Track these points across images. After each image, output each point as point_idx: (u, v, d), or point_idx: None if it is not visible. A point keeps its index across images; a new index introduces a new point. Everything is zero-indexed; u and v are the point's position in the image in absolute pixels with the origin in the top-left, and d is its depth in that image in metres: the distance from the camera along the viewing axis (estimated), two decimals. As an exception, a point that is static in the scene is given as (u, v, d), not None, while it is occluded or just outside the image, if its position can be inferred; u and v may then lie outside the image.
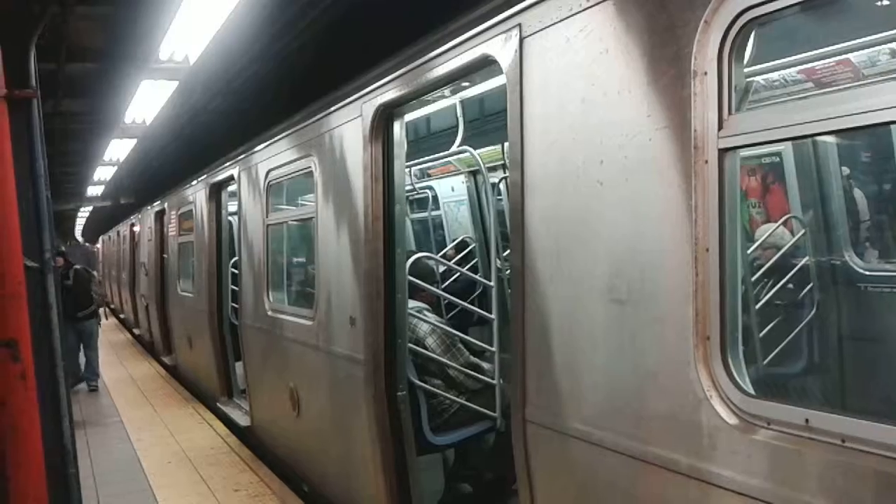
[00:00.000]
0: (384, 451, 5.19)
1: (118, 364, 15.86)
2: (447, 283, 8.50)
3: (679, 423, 2.71)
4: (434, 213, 10.81)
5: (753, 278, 5.63)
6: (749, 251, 5.57)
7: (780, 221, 6.06)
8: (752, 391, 2.54)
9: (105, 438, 9.39)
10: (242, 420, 9.00)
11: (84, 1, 6.03)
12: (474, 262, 9.46)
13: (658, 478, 2.83)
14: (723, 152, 2.53)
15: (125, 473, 7.86)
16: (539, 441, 3.53)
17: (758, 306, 5.52)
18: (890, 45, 4.66)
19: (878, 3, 4.47)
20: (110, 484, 7.52)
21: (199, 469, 7.83)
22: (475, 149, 6.70)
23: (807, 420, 2.30)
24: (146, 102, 9.37)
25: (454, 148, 6.79)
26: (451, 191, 10.84)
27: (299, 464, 7.23)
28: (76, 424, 9.87)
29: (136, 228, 18.78)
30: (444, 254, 9.47)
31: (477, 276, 7.88)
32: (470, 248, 9.75)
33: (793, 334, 5.49)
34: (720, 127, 2.53)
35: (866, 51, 5.00)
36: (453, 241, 10.18)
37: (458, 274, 8.34)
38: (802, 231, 6.02)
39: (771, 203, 6.58)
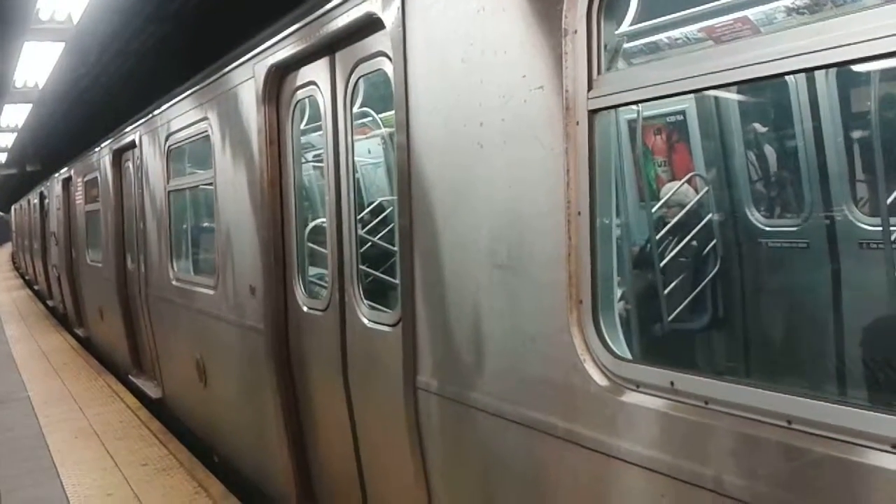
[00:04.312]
0: (288, 424, 5.10)
1: (29, 337, 15.32)
2: (363, 248, 8.33)
3: (556, 387, 2.68)
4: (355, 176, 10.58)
5: (658, 236, 5.67)
6: (645, 211, 5.59)
7: (683, 180, 6.10)
8: (626, 354, 2.53)
9: (9, 416, 9.04)
10: (153, 392, 8.79)
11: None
12: (391, 226, 9.33)
13: (539, 442, 2.81)
14: (593, 113, 2.47)
15: (28, 451, 7.58)
16: (429, 408, 3.48)
17: (662, 264, 5.56)
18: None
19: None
20: (12, 464, 7.24)
21: (107, 444, 7.61)
22: (385, 112, 6.56)
23: (672, 383, 2.29)
24: (35, 65, 8.88)
25: (355, 110, 6.61)
26: (367, 153, 10.66)
27: (209, 435, 7.09)
28: (-22, 403, 9.59)
29: (46, 197, 18.09)
30: (361, 218, 9.30)
31: (383, 243, 7.73)
32: (387, 211, 9.61)
33: (694, 292, 5.56)
34: (590, 87, 2.46)
35: (763, 8, 5.03)
36: (369, 204, 10.02)
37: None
38: (705, 189, 6.08)
39: (676, 161, 6.64)
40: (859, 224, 5.13)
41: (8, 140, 17.13)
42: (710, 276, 5.52)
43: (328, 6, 4.13)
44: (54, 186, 16.00)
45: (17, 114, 13.30)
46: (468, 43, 3.02)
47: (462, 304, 3.22)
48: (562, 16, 2.53)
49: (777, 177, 6.02)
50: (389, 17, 3.53)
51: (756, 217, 5.86)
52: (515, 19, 2.77)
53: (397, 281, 5.57)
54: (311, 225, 5.21)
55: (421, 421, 3.54)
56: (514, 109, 2.80)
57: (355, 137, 9.67)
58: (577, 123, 2.51)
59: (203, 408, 7.05)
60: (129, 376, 9.94)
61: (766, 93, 5.89)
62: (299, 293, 4.96)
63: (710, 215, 5.78)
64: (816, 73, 5.02)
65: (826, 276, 5.23)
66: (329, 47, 4.34)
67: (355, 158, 4.52)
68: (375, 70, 4.03)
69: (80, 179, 12.63)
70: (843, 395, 4.48)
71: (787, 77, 5.21)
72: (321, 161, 4.81)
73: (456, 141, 3.16)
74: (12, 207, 35.50)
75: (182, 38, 7.89)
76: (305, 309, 4.89)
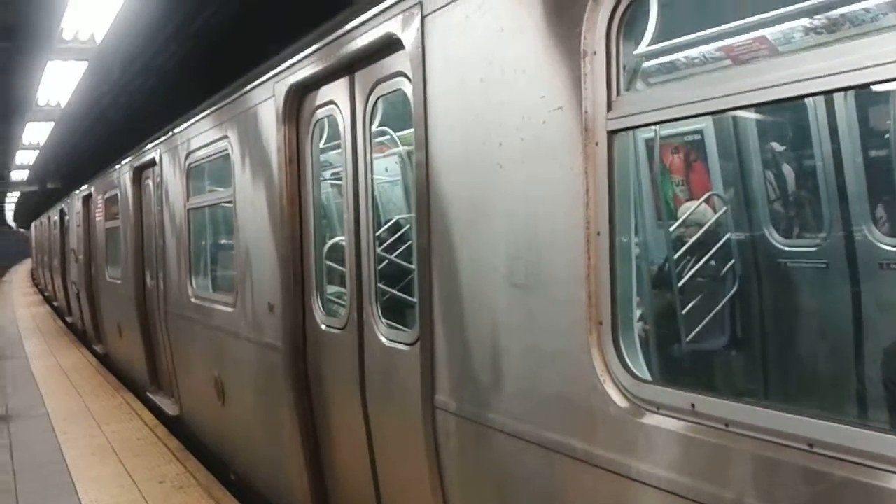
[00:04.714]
0: (305, 442, 5.10)
1: (48, 353, 15.41)
2: (380, 266, 8.34)
3: (575, 408, 2.68)
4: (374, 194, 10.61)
5: (677, 256, 5.64)
6: (664, 231, 5.57)
7: (700, 200, 6.08)
8: (646, 376, 2.52)
9: (29, 432, 9.09)
10: (171, 409, 8.82)
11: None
12: (409, 243, 9.34)
13: (558, 464, 2.80)
14: (612, 134, 2.48)
15: (47, 468, 7.61)
16: (448, 429, 3.47)
17: (681, 284, 5.53)
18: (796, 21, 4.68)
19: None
20: (30, 480, 7.27)
21: (124, 461, 7.63)
22: (402, 130, 6.59)
23: (693, 405, 2.28)
24: (58, 84, 9.02)
25: (374, 129, 6.65)
26: (385, 171, 10.71)
27: (226, 454, 7.10)
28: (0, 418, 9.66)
29: (67, 213, 18.29)
30: (379, 236, 9.31)
31: (401, 261, 7.74)
32: (404, 229, 9.63)
33: (713, 312, 5.51)
34: (609, 108, 2.48)
35: (781, 27, 5.03)
36: (387, 222, 10.06)
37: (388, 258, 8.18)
38: (724, 209, 6.05)
39: (694, 180, 6.63)
40: (879, 244, 5.10)
41: (30, 157, 17.36)
42: (730, 296, 5.49)
43: (348, 27, 4.18)
44: (74, 203, 16.17)
45: (40, 131, 13.47)
46: (487, 63, 3.04)
47: (480, 323, 3.22)
48: (581, 37, 2.54)
49: (796, 196, 5.99)
50: (409, 38, 3.56)
51: (775, 237, 5.83)
52: (535, 40, 2.79)
53: (415, 299, 5.59)
54: (330, 243, 5.24)
55: (439, 440, 3.54)
56: (533, 129, 2.81)
57: (374, 156, 9.76)
58: (597, 144, 2.52)
59: (220, 426, 7.06)
60: (147, 394, 9.98)
61: (785, 112, 5.88)
62: (317, 311, 4.98)
63: (728, 235, 5.76)
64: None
65: (846, 297, 5.20)
66: (348, 67, 4.39)
67: (374, 177, 4.54)
68: (395, 90, 4.06)
69: (100, 197, 12.76)
70: (864, 418, 4.44)
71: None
72: (340, 179, 4.85)
73: (475, 160, 3.18)
74: (32, 224, 35.89)
75: (203, 57, 7.98)
76: (323, 327, 4.90)
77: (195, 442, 8.08)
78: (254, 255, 5.73)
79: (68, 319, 19.62)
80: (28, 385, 12.15)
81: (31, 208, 36.88)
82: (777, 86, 2.06)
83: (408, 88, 3.80)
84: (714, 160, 6.15)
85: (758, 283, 5.66)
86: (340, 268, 4.93)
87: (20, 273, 52.61)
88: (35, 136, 13.80)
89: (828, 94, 3.70)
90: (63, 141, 14.58)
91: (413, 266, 5.94)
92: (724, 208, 5.98)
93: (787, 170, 6.05)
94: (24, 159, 17.47)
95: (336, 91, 4.57)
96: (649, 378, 2.51)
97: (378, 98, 4.23)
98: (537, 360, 2.88)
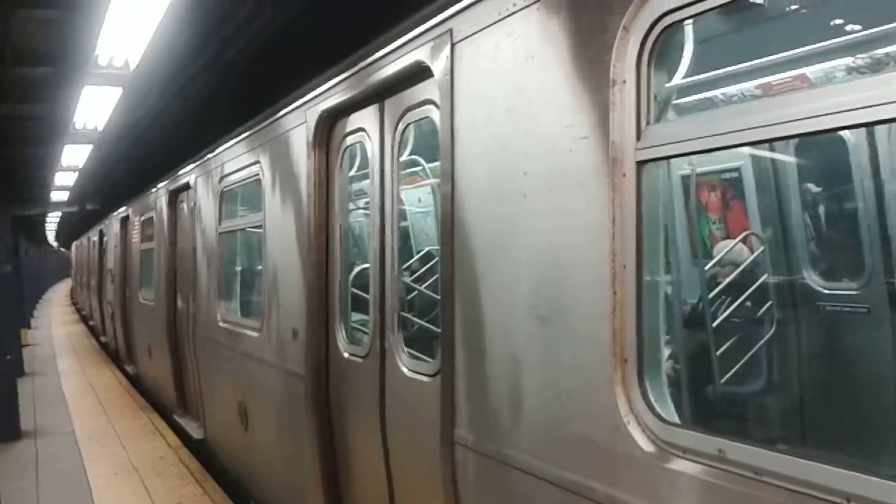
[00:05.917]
0: (324, 470, 5.02)
1: (80, 372, 15.56)
2: (410, 296, 8.29)
3: (597, 449, 2.56)
4: (402, 224, 10.60)
5: (711, 295, 5.49)
6: (697, 268, 5.43)
7: (738, 239, 5.93)
8: (673, 418, 2.40)
9: (54, 449, 9.15)
10: (196, 432, 8.79)
11: (25, 4, 5.83)
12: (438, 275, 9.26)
13: (577, 507, 2.68)
14: (640, 165, 2.39)
15: (69, 485, 7.65)
16: (467, 465, 3.37)
17: (714, 325, 5.38)
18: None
19: (790, 9, 4.32)
20: (52, 497, 7.31)
21: (145, 480, 7.64)
22: (435, 160, 6.56)
23: (720, 450, 2.16)
24: (95, 108, 9.18)
25: (404, 158, 6.63)
26: (418, 201, 10.69)
27: (247, 480, 7.03)
28: (27, 434, 9.72)
29: (105, 234, 18.54)
30: (410, 266, 9.28)
31: (428, 291, 7.65)
32: (435, 260, 9.57)
33: (747, 356, 5.34)
34: (638, 138, 2.39)
35: (823, 65, 4.93)
36: (418, 252, 10.02)
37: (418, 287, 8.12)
38: (761, 248, 5.90)
39: (730, 219, 6.49)
40: (923, 289, 4.92)
41: (69, 179, 17.68)
42: (765, 339, 5.32)
43: (378, 54, 4.16)
44: (112, 225, 16.40)
45: (79, 154, 13.69)
46: (515, 92, 2.98)
47: (501, 356, 3.13)
48: (610, 66, 2.47)
49: (836, 238, 5.82)
50: (438, 66, 3.52)
51: (814, 279, 5.66)
52: (563, 68, 2.72)
53: (440, 330, 5.49)
54: (356, 270, 5.19)
55: (458, 476, 3.43)
56: (558, 159, 2.73)
57: (404, 186, 9.73)
58: (624, 175, 2.44)
59: (243, 451, 7.00)
60: (174, 416, 9.98)
61: (824, 151, 5.74)
62: (341, 339, 4.92)
63: (765, 276, 5.59)
64: (877, 130, 4.88)
65: (888, 343, 5.00)
66: (378, 95, 4.36)
67: (404, 206, 4.49)
68: (423, 118, 4.01)
69: (136, 219, 12.91)
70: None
71: (845, 134, 5.08)
72: (368, 207, 4.80)
73: (500, 190, 3.11)
74: (73, 244, 36.54)
75: (236, 84, 8.06)
76: (346, 355, 4.83)
77: (218, 467, 8.03)
78: (281, 281, 5.70)
79: (102, 339, 19.83)
80: (57, 402, 12.27)
81: (71, 229, 37.56)
82: (813, 117, 1.96)
83: (436, 116, 3.76)
84: (752, 199, 6.01)
85: (795, 326, 5.48)
86: (366, 295, 4.87)
87: (60, 292, 53.50)
88: (73, 158, 14.04)
89: (866, 126, 3.57)
90: (101, 163, 14.81)
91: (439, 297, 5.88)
92: (762, 248, 5.82)
93: (827, 210, 5.88)
94: (64, 181, 17.81)
95: (366, 118, 4.55)
96: (677, 421, 2.39)
97: (407, 126, 4.19)
98: (558, 396, 2.77)
